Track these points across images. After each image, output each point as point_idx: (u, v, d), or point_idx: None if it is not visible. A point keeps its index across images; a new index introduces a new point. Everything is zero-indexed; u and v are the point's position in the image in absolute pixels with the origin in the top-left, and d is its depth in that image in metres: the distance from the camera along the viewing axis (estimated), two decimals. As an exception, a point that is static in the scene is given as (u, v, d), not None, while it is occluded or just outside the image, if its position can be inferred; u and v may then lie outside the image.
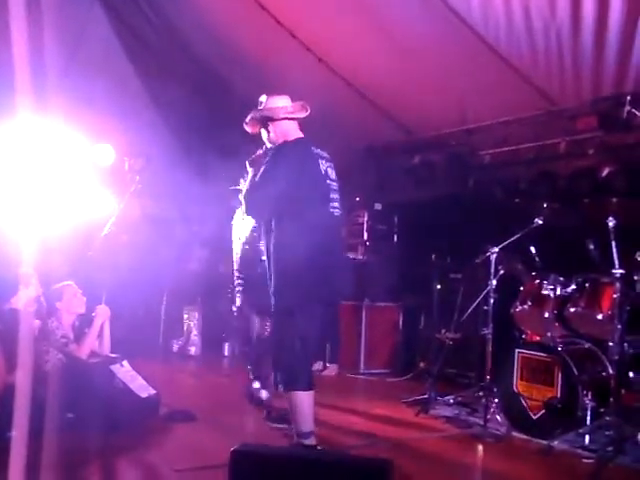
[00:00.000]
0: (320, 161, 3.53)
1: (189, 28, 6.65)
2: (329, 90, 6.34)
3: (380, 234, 7.07)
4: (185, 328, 7.32)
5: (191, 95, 6.94)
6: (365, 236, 7.02)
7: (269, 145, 3.64)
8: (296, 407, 3.27)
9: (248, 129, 3.72)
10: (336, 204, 3.54)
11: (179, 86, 6.76)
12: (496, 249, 4.60)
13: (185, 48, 6.81)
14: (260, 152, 3.64)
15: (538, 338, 4.62)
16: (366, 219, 7.02)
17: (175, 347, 7.41)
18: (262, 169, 3.38)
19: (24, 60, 2.23)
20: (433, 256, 6.51)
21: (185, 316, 7.16)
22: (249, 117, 3.69)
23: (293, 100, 3.68)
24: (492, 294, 4.57)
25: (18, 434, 2.38)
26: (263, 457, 2.10)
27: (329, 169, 3.57)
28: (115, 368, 4.04)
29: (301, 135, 3.62)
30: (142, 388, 4.12)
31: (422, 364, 6.22)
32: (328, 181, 3.53)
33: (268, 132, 3.63)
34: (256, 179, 3.39)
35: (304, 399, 3.28)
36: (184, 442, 3.68)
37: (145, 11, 6.69)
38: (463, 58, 5.38)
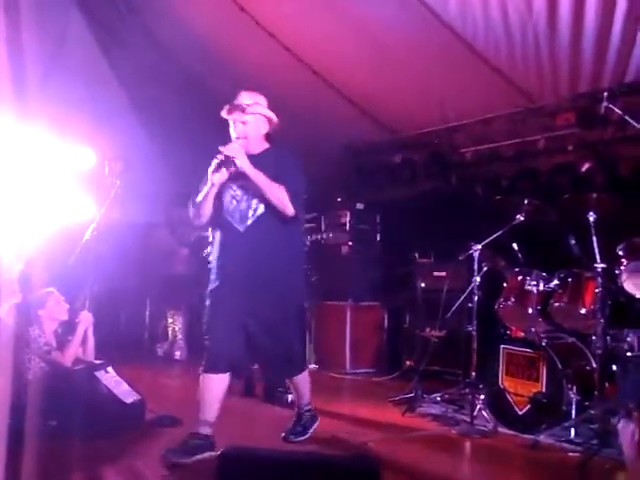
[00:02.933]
0: None
1: (168, 30, 6.61)
2: (309, 90, 6.35)
3: (363, 233, 7.07)
4: (170, 332, 7.28)
5: (171, 97, 6.92)
6: (348, 236, 7.02)
7: (239, 143, 3.56)
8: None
9: (246, 117, 3.59)
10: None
11: (159, 88, 6.73)
12: (479, 246, 4.63)
13: (164, 50, 6.77)
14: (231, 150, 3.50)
15: (522, 334, 4.65)
16: (348, 219, 7.03)
17: (160, 351, 7.36)
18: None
19: (3, 64, 2.20)
20: (416, 254, 6.53)
21: (169, 320, 7.11)
22: (259, 108, 3.63)
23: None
24: (476, 291, 4.59)
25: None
26: (251, 459, 2.09)
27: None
28: (99, 374, 4.01)
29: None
30: (127, 394, 4.09)
31: (408, 362, 6.23)
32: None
33: (259, 131, 3.66)
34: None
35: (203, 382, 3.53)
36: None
37: (123, 13, 6.65)
38: (441, 56, 5.41)
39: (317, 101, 6.38)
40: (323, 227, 7.19)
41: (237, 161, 3.45)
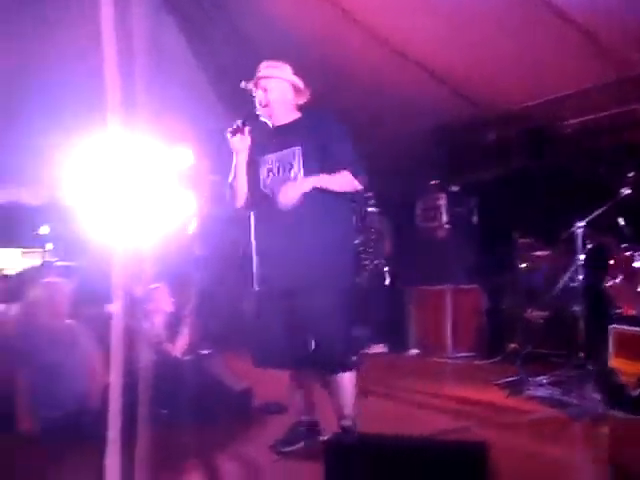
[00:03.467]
0: None
1: (254, 25, 6.70)
2: (393, 71, 6.27)
3: (460, 216, 6.97)
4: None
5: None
6: (444, 219, 6.94)
7: (262, 112, 3.33)
8: None
9: (266, 84, 3.30)
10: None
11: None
12: (582, 223, 4.46)
13: (251, 46, 6.87)
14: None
15: (633, 312, 4.45)
16: (444, 202, 6.94)
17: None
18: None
19: (114, 70, 2.32)
20: (515, 235, 6.37)
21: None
22: (280, 72, 3.33)
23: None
24: (580, 270, 4.44)
25: (112, 434, 2.50)
26: (357, 445, 2.13)
27: None
28: (208, 364, 4.17)
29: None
30: (235, 382, 4.23)
31: (511, 345, 6.10)
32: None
33: (284, 98, 3.34)
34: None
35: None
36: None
37: (209, 11, 6.78)
38: (534, 27, 5.21)
39: (407, 83, 6.29)
40: (418, 212, 7.14)
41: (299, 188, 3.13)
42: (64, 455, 3.41)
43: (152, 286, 4.73)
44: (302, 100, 3.39)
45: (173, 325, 4.67)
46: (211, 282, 6.88)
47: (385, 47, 6.11)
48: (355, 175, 3.21)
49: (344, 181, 3.21)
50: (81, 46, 5.46)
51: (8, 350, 3.95)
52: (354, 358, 3.38)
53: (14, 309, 4.70)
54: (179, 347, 4.49)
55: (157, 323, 4.55)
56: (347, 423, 3.27)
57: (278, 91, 3.30)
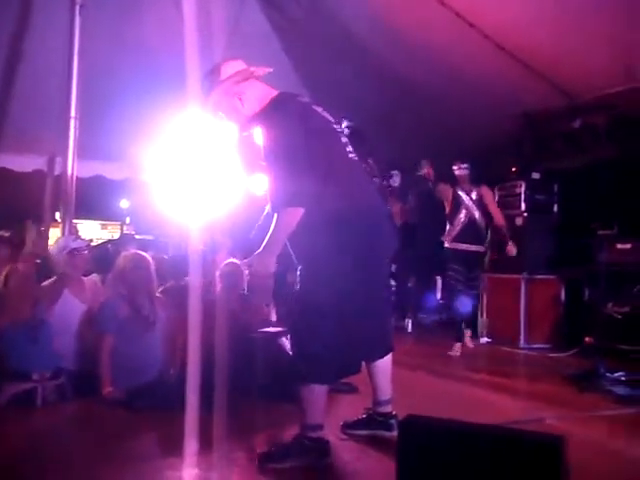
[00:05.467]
0: (315, 107, 3.03)
1: (342, 6, 6.66)
2: (479, 56, 6.15)
3: (539, 204, 6.81)
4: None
5: (351, 80, 6.97)
6: (523, 207, 6.80)
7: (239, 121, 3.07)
8: None
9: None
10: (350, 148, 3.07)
11: (331, 65, 6.83)
12: (671, 216, 4.29)
13: (338, 26, 6.83)
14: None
15: None
16: (523, 189, 6.79)
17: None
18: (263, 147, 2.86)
19: (195, 57, 2.39)
20: (597, 225, 6.17)
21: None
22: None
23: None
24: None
25: (191, 402, 2.60)
26: (432, 428, 2.13)
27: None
28: (283, 341, 4.25)
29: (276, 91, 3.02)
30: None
31: (588, 339, 5.93)
32: (335, 125, 3.08)
33: (242, 104, 2.97)
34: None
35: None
36: (348, 412, 3.78)
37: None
38: (627, 10, 5.00)
39: (491, 68, 6.16)
40: (497, 198, 7.01)
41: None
42: (144, 420, 3.57)
43: (227, 261, 4.84)
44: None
45: (245, 300, 4.75)
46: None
47: (474, 32, 5.99)
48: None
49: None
50: (164, 30, 5.63)
51: (96, 318, 4.13)
52: None
53: (103, 279, 4.92)
54: (255, 320, 4.57)
55: (231, 298, 4.64)
56: (387, 408, 3.28)
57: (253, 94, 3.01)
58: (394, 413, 3.26)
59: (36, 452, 3.06)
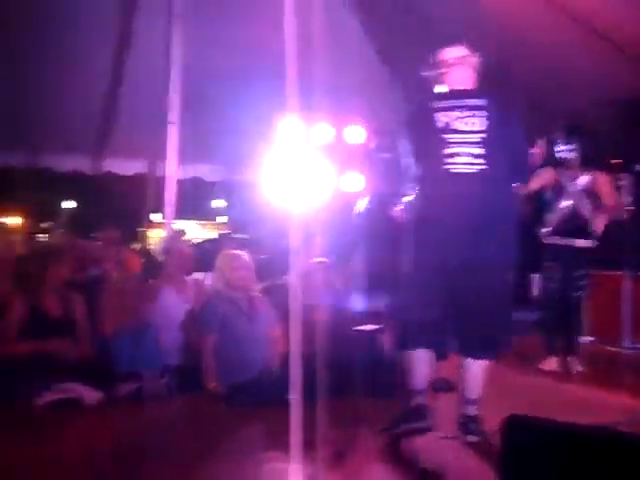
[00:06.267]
0: (438, 114, 3.23)
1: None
2: (576, 42, 5.92)
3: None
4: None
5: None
6: (627, 200, 6.51)
7: None
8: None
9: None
10: (462, 159, 3.17)
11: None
12: None
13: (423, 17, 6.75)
14: None
15: None
16: (627, 182, 6.50)
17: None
18: None
19: (294, 55, 2.44)
20: None
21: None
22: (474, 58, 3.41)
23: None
24: None
25: (294, 398, 2.66)
26: (537, 429, 2.10)
27: (458, 121, 3.21)
28: (379, 338, 4.28)
29: (456, 86, 3.35)
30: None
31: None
32: (446, 135, 3.20)
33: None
34: None
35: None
36: (448, 410, 3.75)
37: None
38: None
39: (583, 50, 5.92)
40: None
41: None
42: (245, 416, 3.68)
43: (317, 260, 4.91)
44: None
45: (336, 299, 4.80)
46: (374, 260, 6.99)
47: (569, 18, 5.79)
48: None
49: None
50: (263, 32, 5.74)
51: (199, 317, 4.30)
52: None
53: (204, 278, 5.10)
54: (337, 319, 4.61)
55: (322, 297, 4.70)
56: (475, 412, 3.29)
57: (467, 75, 3.37)
58: (477, 416, 3.26)
59: (139, 446, 3.21)
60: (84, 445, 3.25)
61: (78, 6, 6.33)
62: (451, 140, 3.20)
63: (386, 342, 4.31)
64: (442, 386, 4.20)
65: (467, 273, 3.16)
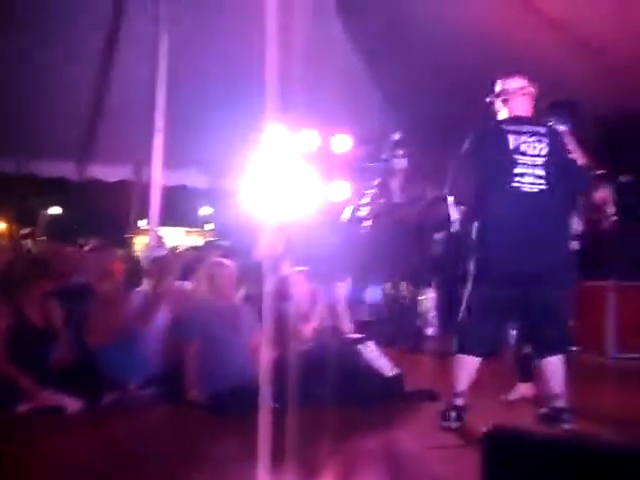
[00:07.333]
0: (510, 136, 3.59)
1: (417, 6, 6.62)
2: (574, 62, 5.98)
3: (629, 208, 6.53)
4: (422, 309, 7.41)
5: (419, 81, 6.92)
6: (611, 210, 6.54)
7: None
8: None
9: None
10: (528, 179, 3.55)
11: (404, 66, 6.78)
12: None
13: (409, 26, 6.77)
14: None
15: None
16: (612, 192, 6.53)
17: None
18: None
19: (274, 60, 2.43)
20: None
21: (422, 297, 7.24)
22: None
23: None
24: None
25: (275, 407, 2.64)
26: (520, 439, 2.08)
27: (525, 144, 3.59)
28: (361, 347, 4.26)
29: (522, 113, 3.72)
30: (387, 367, 4.29)
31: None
32: (516, 156, 3.56)
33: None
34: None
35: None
36: (431, 421, 3.74)
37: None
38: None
39: (581, 72, 5.98)
40: (582, 201, 6.77)
41: None
42: (226, 424, 3.65)
43: (296, 269, 4.87)
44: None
45: (311, 308, 4.78)
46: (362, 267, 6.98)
47: (559, 33, 5.86)
48: None
49: None
50: (250, 34, 5.73)
51: (181, 325, 4.26)
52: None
53: (187, 286, 5.05)
54: (307, 328, 4.58)
55: (300, 305, 4.68)
56: (562, 403, 3.59)
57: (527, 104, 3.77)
58: (565, 407, 3.58)
59: (120, 454, 3.16)
60: (64, 453, 3.19)
61: (65, 12, 6.30)
62: (520, 161, 3.57)
63: (367, 351, 4.29)
64: (425, 396, 4.20)
65: (540, 283, 3.55)
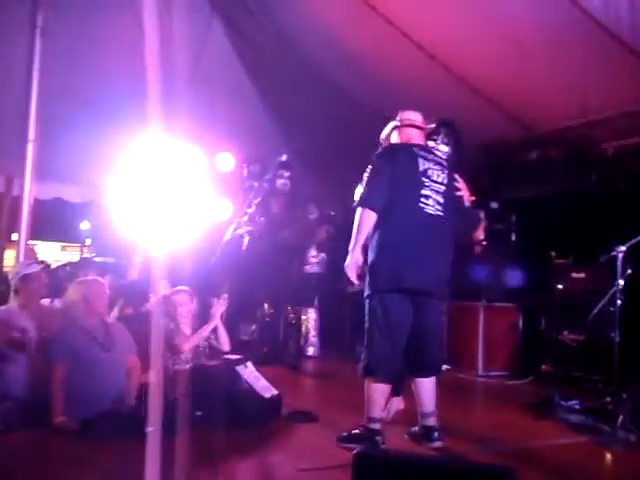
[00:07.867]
0: (419, 159, 3.76)
1: (303, 36, 6.76)
2: (441, 88, 6.28)
3: (497, 233, 6.90)
4: (303, 329, 7.44)
5: (306, 102, 7.05)
6: (481, 236, 6.87)
7: None
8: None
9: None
10: (431, 202, 3.72)
11: (294, 93, 6.90)
12: (623, 248, 4.38)
13: (300, 57, 6.91)
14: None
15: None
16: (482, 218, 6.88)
17: (292, 348, 7.53)
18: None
19: (156, 75, 2.37)
20: (553, 255, 6.29)
21: (303, 317, 7.28)
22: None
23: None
24: (619, 295, 4.35)
25: (153, 430, 2.55)
26: (387, 461, 2.13)
27: (431, 170, 3.77)
28: (240, 369, 4.21)
29: (415, 142, 3.89)
30: (265, 388, 4.26)
31: (544, 366, 6.01)
32: (424, 179, 3.72)
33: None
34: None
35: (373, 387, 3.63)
36: (306, 443, 3.76)
37: (261, 22, 6.86)
38: (583, 47, 5.18)
39: (451, 100, 6.29)
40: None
41: None
42: (97, 450, 3.48)
43: (176, 288, 4.78)
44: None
45: (194, 328, 4.71)
46: (245, 286, 6.94)
47: (434, 63, 6.14)
48: None
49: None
50: (125, 49, 5.61)
51: (49, 346, 4.03)
52: None
53: (57, 304, 4.81)
54: (188, 345, 4.51)
55: (182, 326, 4.60)
56: (432, 422, 3.73)
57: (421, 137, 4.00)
58: (436, 426, 3.72)
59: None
60: None
61: None
62: (426, 184, 3.73)
63: (245, 372, 4.25)
64: (302, 418, 4.21)
65: (428, 302, 3.74)
